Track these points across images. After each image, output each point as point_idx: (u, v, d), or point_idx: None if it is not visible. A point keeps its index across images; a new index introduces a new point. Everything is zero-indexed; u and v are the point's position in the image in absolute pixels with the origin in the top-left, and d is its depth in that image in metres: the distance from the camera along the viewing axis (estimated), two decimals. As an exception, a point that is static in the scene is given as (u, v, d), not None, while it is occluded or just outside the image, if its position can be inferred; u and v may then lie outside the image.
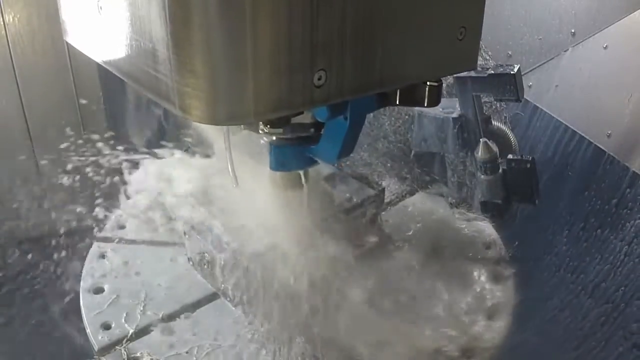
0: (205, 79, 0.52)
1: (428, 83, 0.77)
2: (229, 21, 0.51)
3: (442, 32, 0.73)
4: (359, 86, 0.65)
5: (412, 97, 0.78)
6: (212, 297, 1.15)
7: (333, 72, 0.60)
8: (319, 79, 0.59)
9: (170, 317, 1.10)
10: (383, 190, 1.27)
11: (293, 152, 0.87)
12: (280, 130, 0.68)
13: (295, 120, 0.76)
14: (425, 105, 0.78)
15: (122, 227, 1.35)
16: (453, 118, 1.35)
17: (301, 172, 0.93)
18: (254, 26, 0.51)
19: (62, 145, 1.45)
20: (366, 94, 0.68)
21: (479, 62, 1.67)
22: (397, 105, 0.80)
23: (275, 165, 0.90)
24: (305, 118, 0.81)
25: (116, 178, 1.20)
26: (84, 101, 1.79)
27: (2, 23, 1.62)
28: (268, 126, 0.69)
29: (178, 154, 1.17)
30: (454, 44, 0.75)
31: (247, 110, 0.55)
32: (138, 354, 1.02)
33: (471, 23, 0.76)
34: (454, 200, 1.48)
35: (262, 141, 0.87)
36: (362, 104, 0.78)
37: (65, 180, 1.33)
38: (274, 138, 0.85)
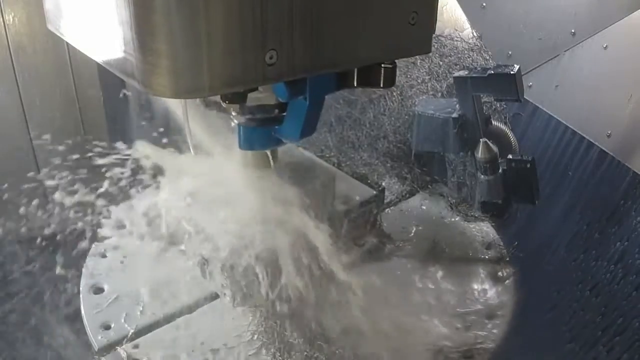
0: (165, 57, 0.58)
1: (383, 65, 0.81)
2: (185, 5, 0.57)
3: (393, 16, 0.76)
4: (311, 66, 0.70)
5: (368, 79, 0.82)
6: (212, 297, 1.15)
7: (284, 52, 0.65)
8: (271, 58, 0.64)
9: (170, 317, 1.10)
10: (383, 190, 1.27)
11: (259, 133, 0.92)
12: (238, 105, 0.74)
13: (261, 101, 0.84)
14: (382, 86, 0.82)
15: (122, 226, 1.35)
16: (453, 118, 1.35)
17: (268, 153, 0.98)
18: (207, 10, 0.58)
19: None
20: (318, 73, 0.73)
21: (479, 62, 1.68)
22: (354, 87, 0.84)
23: (243, 144, 0.94)
24: (271, 99, 0.85)
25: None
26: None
27: (2, 23, 1.62)
28: (226, 101, 0.73)
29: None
30: (406, 28, 0.78)
31: (203, 85, 0.61)
32: (137, 354, 1.02)
33: (423, 8, 0.79)
34: (454, 200, 1.48)
35: (232, 124, 0.92)
36: (321, 85, 0.82)
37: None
38: (243, 119, 0.90)
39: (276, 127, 0.90)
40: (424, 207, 1.48)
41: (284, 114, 0.89)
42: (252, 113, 0.87)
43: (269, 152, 0.99)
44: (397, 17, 0.77)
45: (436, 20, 0.84)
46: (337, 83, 0.84)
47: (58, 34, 0.78)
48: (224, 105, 0.76)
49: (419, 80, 1.61)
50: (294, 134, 0.87)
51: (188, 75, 0.59)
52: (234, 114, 0.88)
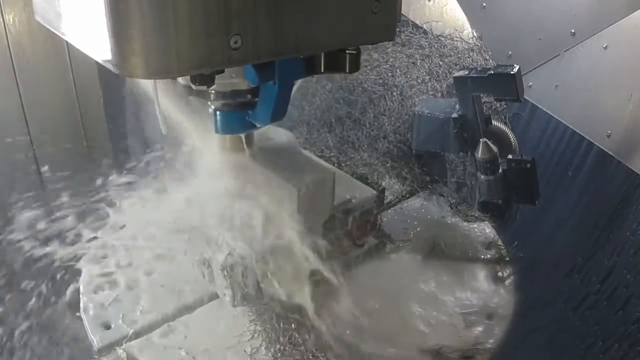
0: (137, 41, 0.63)
1: (347, 51, 0.85)
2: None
3: (355, 5, 0.80)
4: (275, 50, 0.74)
5: (335, 64, 0.87)
6: (212, 297, 1.15)
7: (248, 37, 0.70)
8: (235, 43, 0.69)
9: (170, 317, 1.10)
10: (383, 190, 1.27)
11: (234, 117, 0.96)
12: (205, 87, 0.77)
13: (235, 87, 0.90)
14: (347, 71, 0.86)
15: (122, 226, 1.35)
16: (453, 118, 1.35)
17: (242, 137, 1.03)
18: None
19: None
20: (283, 57, 0.78)
21: (479, 62, 1.68)
22: (322, 72, 0.88)
23: (220, 129, 0.98)
24: (244, 85, 0.90)
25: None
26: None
27: (2, 23, 1.62)
28: (196, 83, 0.77)
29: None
30: (369, 16, 0.82)
31: (171, 67, 0.66)
32: (137, 354, 1.02)
33: None
34: (454, 200, 1.48)
35: (210, 110, 0.96)
36: (290, 70, 0.86)
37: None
38: (219, 104, 0.94)
39: (249, 111, 0.95)
40: (423, 209, 1.48)
41: (257, 99, 0.93)
42: (227, 98, 0.92)
43: (243, 137, 1.03)
44: (359, 6, 0.81)
45: (400, 9, 0.87)
46: (305, 68, 0.88)
47: (45, 24, 0.81)
48: (193, 87, 0.80)
49: (419, 80, 1.61)
50: (265, 118, 0.92)
51: (158, 58, 0.65)
52: (211, 98, 0.93)
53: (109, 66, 0.67)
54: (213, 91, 0.91)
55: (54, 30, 0.79)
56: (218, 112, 0.96)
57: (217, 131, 0.98)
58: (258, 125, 0.97)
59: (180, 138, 1.10)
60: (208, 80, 0.76)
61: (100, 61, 0.68)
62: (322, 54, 0.87)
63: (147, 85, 0.95)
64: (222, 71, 0.76)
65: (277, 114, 0.91)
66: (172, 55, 0.65)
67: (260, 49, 0.72)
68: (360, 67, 0.87)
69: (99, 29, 0.64)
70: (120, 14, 0.62)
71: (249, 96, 0.92)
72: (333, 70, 0.87)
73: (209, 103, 0.95)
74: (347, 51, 0.85)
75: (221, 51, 0.68)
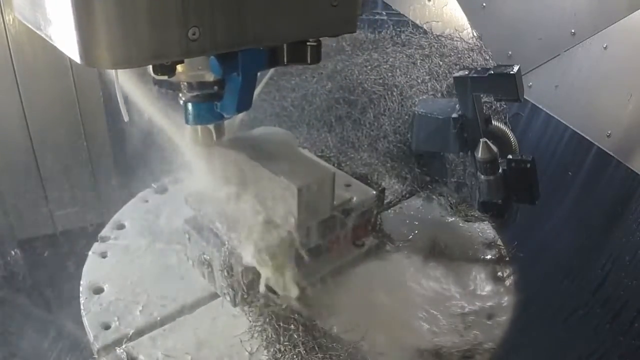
0: (100, 33, 0.66)
1: (308, 43, 0.87)
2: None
3: None
4: (233, 42, 0.76)
5: (297, 56, 0.89)
6: (212, 297, 1.15)
7: (206, 29, 0.71)
8: (193, 34, 0.71)
9: (170, 317, 1.10)
10: (383, 190, 1.27)
11: (203, 108, 0.98)
12: (166, 76, 0.80)
13: (203, 79, 0.92)
14: (309, 62, 0.88)
15: (122, 227, 1.35)
16: (453, 118, 1.35)
17: (212, 129, 1.05)
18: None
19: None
20: (241, 48, 0.80)
21: (479, 62, 1.68)
22: (285, 64, 0.90)
23: (191, 120, 1.00)
24: (211, 77, 0.92)
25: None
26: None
27: (2, 23, 1.62)
28: (158, 73, 0.79)
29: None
30: (329, 9, 0.83)
31: (131, 57, 0.69)
32: (137, 354, 1.02)
33: None
34: (454, 200, 1.48)
35: (181, 102, 0.98)
36: (253, 62, 0.88)
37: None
38: (189, 95, 0.96)
39: (217, 103, 0.97)
40: (423, 209, 1.47)
41: (224, 90, 0.94)
42: (195, 89, 0.93)
43: (212, 127, 1.05)
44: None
45: (361, 1, 0.88)
46: (268, 60, 0.89)
47: (23, 21, 0.82)
48: (155, 77, 0.83)
49: (419, 80, 1.61)
50: (231, 109, 0.95)
51: (119, 49, 0.67)
52: (182, 91, 0.95)
53: (75, 58, 0.68)
54: (184, 83, 0.93)
55: (32, 28, 0.80)
56: (187, 104, 0.98)
57: (187, 122, 1.00)
58: (226, 116, 0.99)
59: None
60: (169, 71, 0.78)
61: (68, 55, 0.69)
62: (285, 46, 0.88)
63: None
64: (182, 61, 0.78)
65: (243, 105, 0.93)
66: (132, 46, 0.67)
67: (219, 41, 0.73)
68: (321, 58, 0.89)
69: (65, 23, 0.66)
70: (83, 5, 0.64)
71: (215, 88, 0.93)
72: (296, 62, 0.89)
73: (179, 95, 0.97)
74: (308, 43, 0.86)
75: (180, 42, 0.70)
